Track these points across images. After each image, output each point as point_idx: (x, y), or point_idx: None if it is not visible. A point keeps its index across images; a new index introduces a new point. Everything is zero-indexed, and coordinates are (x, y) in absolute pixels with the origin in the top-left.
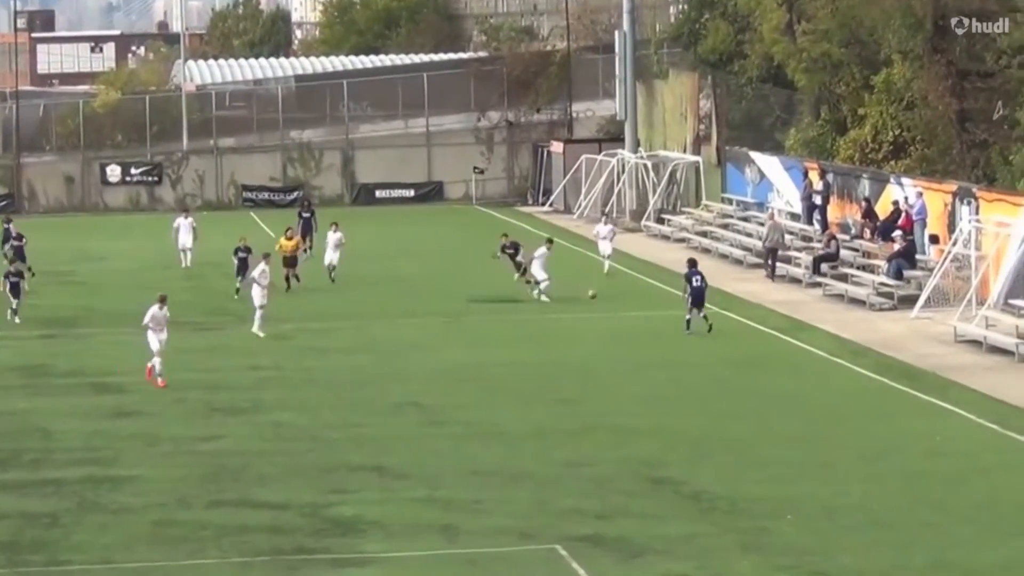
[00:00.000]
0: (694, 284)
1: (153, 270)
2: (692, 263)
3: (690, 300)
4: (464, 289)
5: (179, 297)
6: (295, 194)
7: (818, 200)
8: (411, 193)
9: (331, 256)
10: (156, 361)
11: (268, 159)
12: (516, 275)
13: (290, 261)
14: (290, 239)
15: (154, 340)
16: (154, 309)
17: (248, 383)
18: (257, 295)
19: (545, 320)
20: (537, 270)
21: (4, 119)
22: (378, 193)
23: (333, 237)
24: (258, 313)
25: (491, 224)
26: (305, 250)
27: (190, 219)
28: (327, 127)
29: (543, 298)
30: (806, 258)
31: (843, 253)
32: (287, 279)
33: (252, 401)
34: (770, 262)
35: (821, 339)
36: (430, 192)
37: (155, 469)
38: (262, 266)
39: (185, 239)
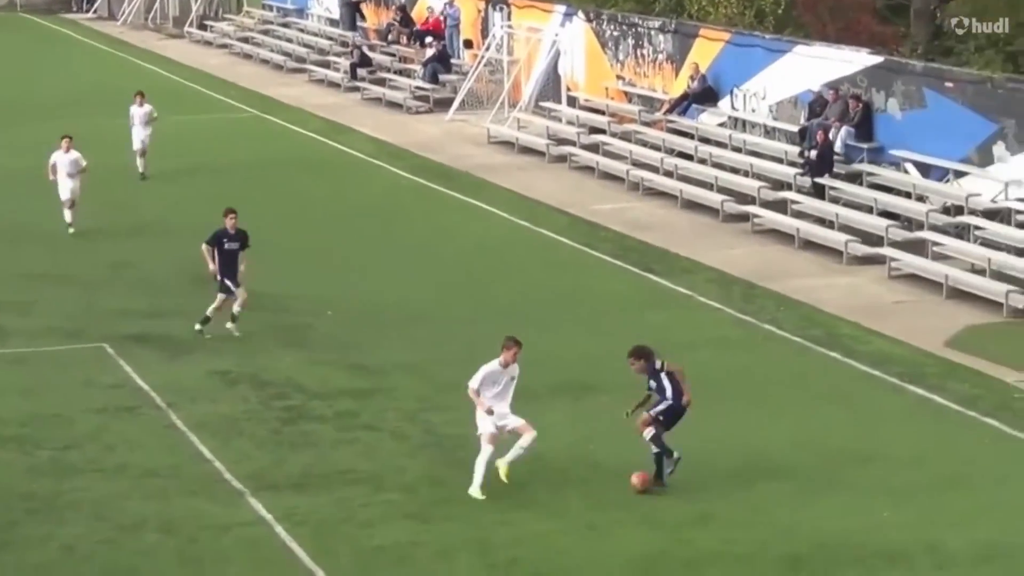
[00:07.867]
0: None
1: None
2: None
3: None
4: (14, 95)
5: None
6: None
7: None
8: None
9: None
10: None
11: None
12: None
13: None
14: None
15: None
16: None
17: None
18: None
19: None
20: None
21: None
22: None
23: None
24: None
25: (37, 31)
26: None
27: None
28: None
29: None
30: (344, 63)
31: (380, 58)
32: None
33: None
34: None
35: (360, 142)
36: None
37: None
38: None
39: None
